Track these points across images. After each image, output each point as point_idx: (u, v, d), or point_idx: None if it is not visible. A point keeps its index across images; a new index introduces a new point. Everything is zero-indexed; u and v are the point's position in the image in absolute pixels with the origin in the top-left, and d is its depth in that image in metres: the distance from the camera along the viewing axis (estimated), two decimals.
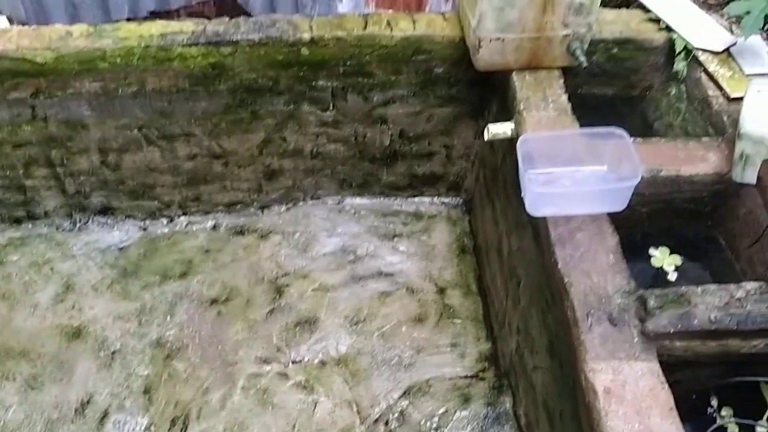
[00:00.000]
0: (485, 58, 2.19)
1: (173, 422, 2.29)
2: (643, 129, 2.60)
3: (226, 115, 2.49)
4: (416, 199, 2.96)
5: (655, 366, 1.53)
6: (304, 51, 2.32)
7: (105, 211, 2.78)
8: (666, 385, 1.49)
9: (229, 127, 2.54)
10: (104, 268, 2.66)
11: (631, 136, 2.06)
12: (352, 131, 2.64)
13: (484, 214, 2.72)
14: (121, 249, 2.73)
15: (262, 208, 2.87)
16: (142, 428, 2.27)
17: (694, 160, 2.00)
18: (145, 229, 2.80)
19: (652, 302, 1.61)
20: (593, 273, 1.69)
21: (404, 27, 2.35)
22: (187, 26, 2.29)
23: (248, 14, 2.63)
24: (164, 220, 2.83)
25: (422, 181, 2.90)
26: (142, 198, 2.74)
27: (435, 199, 2.97)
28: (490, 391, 2.41)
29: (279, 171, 2.75)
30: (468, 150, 2.80)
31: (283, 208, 2.88)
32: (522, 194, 1.82)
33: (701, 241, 2.17)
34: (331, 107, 2.54)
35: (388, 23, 2.36)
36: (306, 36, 2.29)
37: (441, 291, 2.66)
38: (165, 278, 2.65)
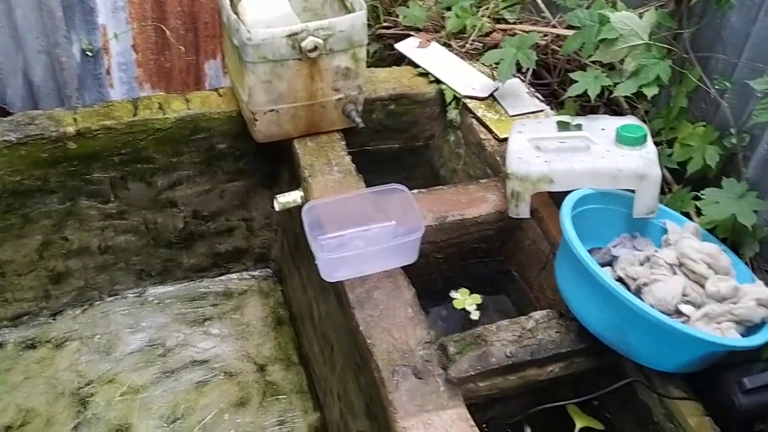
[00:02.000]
0: (263, 130, 2.18)
1: None
2: (431, 176, 2.72)
3: None
4: (224, 278, 2.85)
5: (463, 411, 1.54)
6: (71, 145, 2.18)
7: None
8: (474, 428, 1.51)
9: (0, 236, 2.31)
10: None
11: (420, 185, 2.14)
12: (140, 219, 2.51)
13: (293, 281, 2.68)
14: None
15: (54, 314, 2.62)
16: None
17: (476, 202, 2.11)
18: None
19: (452, 348, 1.64)
20: (394, 330, 1.70)
21: (177, 108, 2.29)
22: None
23: (6, 111, 2.44)
24: None
25: (226, 258, 2.81)
26: None
27: (243, 273, 2.88)
28: None
29: (66, 273, 2.53)
30: (269, 220, 2.76)
31: (78, 311, 2.65)
32: (315, 261, 1.81)
33: (497, 276, 2.27)
34: (112, 198, 2.40)
35: (160, 106, 2.28)
36: (71, 129, 2.16)
37: (261, 369, 2.56)
38: None
